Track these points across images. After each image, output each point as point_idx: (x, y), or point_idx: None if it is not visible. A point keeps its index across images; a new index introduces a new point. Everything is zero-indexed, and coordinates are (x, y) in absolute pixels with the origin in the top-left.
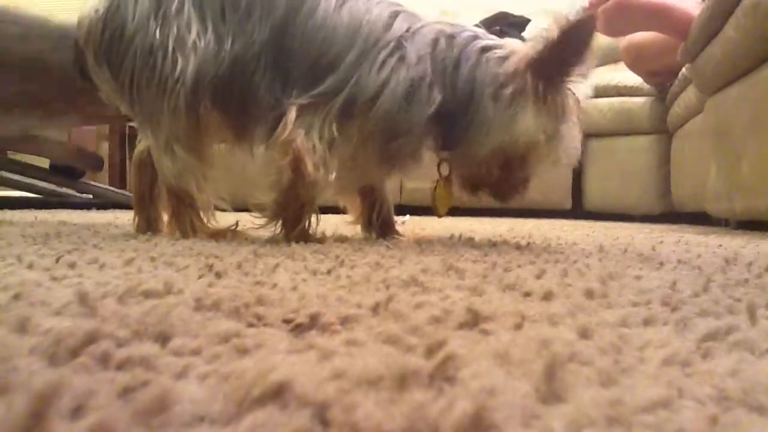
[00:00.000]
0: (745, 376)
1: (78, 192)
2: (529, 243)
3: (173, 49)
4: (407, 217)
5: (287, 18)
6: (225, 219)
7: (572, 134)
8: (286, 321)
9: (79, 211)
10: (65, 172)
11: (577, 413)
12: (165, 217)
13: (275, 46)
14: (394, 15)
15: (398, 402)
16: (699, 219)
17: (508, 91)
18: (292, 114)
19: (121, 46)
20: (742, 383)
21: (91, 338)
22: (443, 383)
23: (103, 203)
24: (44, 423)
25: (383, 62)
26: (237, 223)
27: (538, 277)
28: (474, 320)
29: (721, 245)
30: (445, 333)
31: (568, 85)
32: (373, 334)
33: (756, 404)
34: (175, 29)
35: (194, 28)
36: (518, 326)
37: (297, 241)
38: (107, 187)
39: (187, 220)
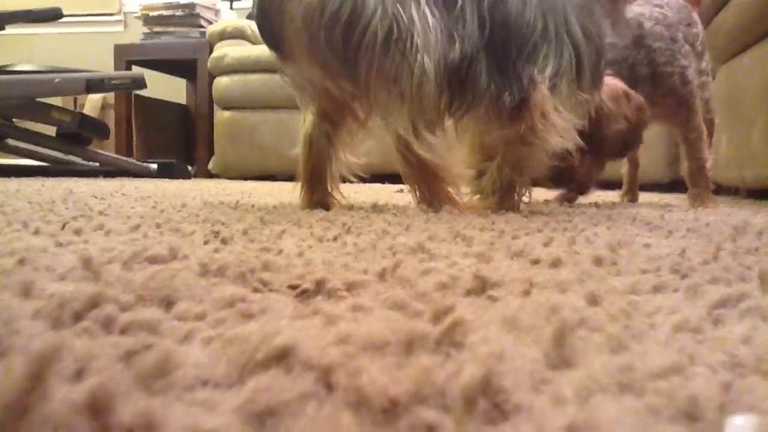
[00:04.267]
0: (757, 342)
1: (85, 160)
2: (536, 211)
3: (417, 35)
4: None
5: (492, 9)
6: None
7: None
8: (292, 287)
9: (85, 179)
10: (72, 139)
11: (587, 379)
12: (337, 194)
13: (489, 38)
14: None
15: (404, 366)
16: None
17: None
18: (541, 86)
19: (356, 24)
20: (755, 350)
21: (95, 302)
22: (450, 348)
23: (110, 171)
24: (43, 385)
25: (575, 21)
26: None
27: (546, 244)
28: (482, 287)
29: (730, 214)
30: (453, 299)
31: None
32: (380, 300)
33: None
34: (414, 15)
35: (430, 19)
36: (526, 293)
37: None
38: (114, 155)
39: (443, 193)
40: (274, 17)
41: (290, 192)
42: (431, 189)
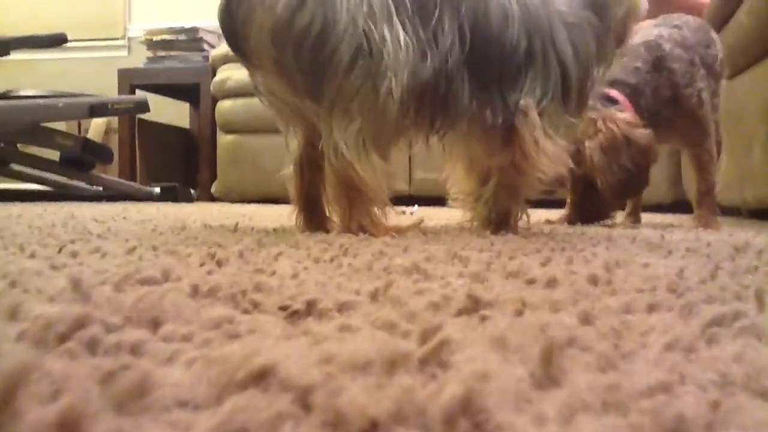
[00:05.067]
0: (749, 361)
1: (88, 184)
2: (536, 232)
3: (387, 54)
4: (416, 207)
5: (474, 24)
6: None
7: None
8: (283, 308)
9: (88, 204)
10: (75, 164)
11: (571, 398)
12: (334, 217)
13: (470, 54)
14: None
15: (386, 386)
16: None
17: None
18: (531, 113)
19: (326, 41)
20: (746, 368)
21: (81, 324)
22: (435, 368)
23: (113, 195)
24: (14, 404)
25: (565, 39)
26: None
27: (544, 264)
28: (474, 306)
29: (731, 234)
30: (442, 319)
31: None
32: (369, 321)
33: (760, 389)
34: (386, 33)
35: (401, 36)
36: (519, 312)
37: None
38: (117, 179)
39: (365, 218)
40: (241, 25)
41: (290, 215)
42: (353, 209)
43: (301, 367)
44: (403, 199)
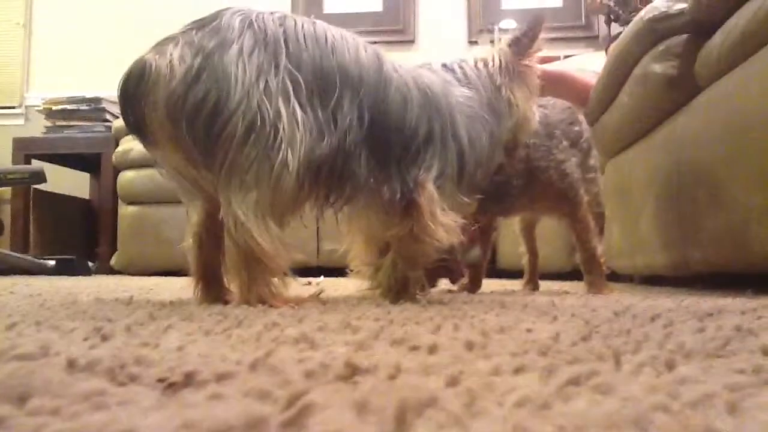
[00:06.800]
0: (587, 414)
1: None
2: (434, 301)
3: (283, 129)
4: (321, 278)
5: (373, 107)
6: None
7: None
8: (161, 380)
9: None
10: None
11: None
12: (232, 287)
13: (369, 134)
14: (443, 79)
15: None
16: (607, 276)
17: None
18: (429, 187)
19: (220, 114)
20: (580, 421)
21: None
22: (293, 430)
23: (4, 269)
24: None
25: (463, 127)
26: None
27: (432, 332)
28: (350, 373)
29: (618, 300)
30: (311, 385)
31: None
32: (243, 390)
33: None
34: (281, 109)
35: (299, 113)
36: (392, 377)
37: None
38: (6, 251)
39: (264, 288)
40: (138, 103)
41: (189, 287)
42: (252, 280)
43: None
44: (310, 271)
